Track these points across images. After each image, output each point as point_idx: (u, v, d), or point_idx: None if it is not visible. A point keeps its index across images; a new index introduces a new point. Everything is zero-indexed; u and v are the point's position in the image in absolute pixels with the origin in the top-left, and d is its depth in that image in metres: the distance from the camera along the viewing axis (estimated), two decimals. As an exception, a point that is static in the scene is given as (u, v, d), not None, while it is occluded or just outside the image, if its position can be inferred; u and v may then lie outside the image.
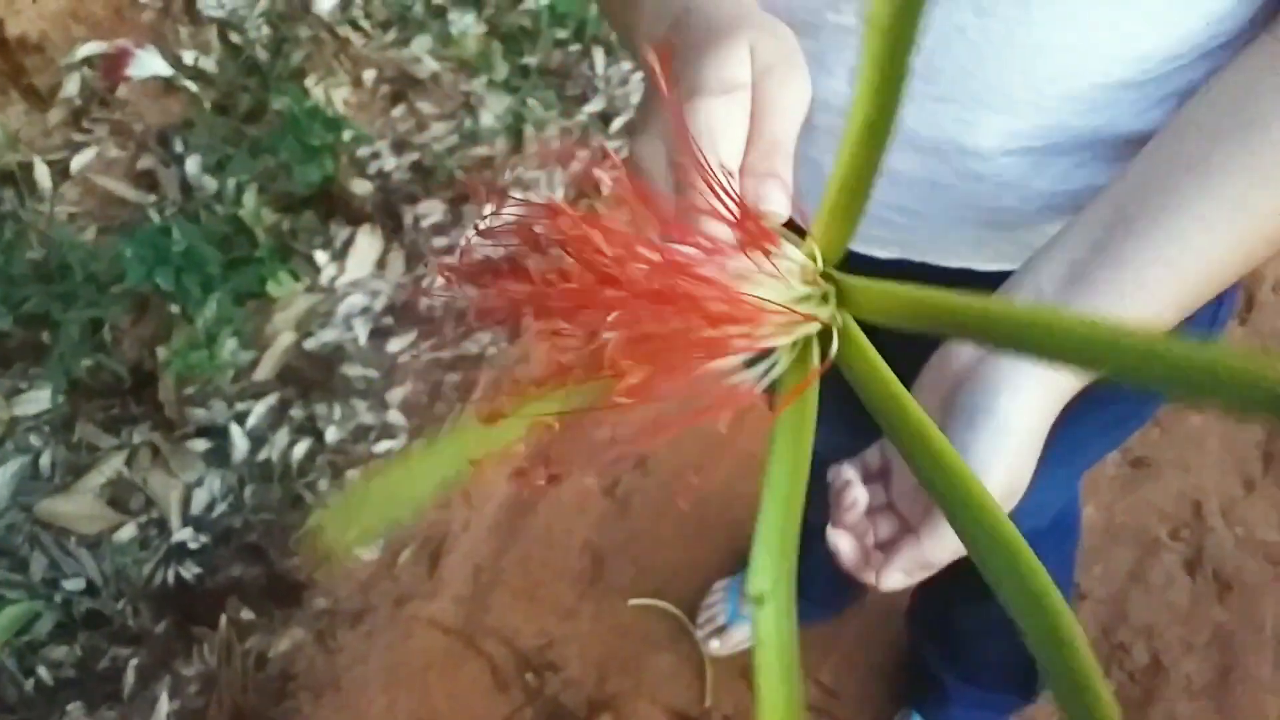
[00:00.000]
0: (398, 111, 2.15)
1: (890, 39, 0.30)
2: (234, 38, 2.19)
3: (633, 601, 1.59)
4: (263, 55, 2.16)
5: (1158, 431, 1.69)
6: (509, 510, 1.69)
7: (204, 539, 1.65)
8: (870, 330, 0.40)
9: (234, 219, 1.91)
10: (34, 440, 1.71)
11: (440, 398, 1.80)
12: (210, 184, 1.96)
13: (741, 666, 1.54)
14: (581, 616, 1.59)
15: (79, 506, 1.66)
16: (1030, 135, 0.58)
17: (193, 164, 1.99)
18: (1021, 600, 0.31)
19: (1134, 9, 0.51)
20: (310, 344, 1.83)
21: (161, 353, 1.77)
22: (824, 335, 0.39)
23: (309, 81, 2.13)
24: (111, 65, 2.07)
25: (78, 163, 2.00)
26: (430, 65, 2.21)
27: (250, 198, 1.94)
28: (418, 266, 1.94)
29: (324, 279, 1.90)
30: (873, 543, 0.51)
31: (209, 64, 2.14)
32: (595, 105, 2.19)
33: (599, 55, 2.27)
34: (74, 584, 1.60)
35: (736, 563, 1.59)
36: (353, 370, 1.81)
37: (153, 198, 1.97)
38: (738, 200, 0.40)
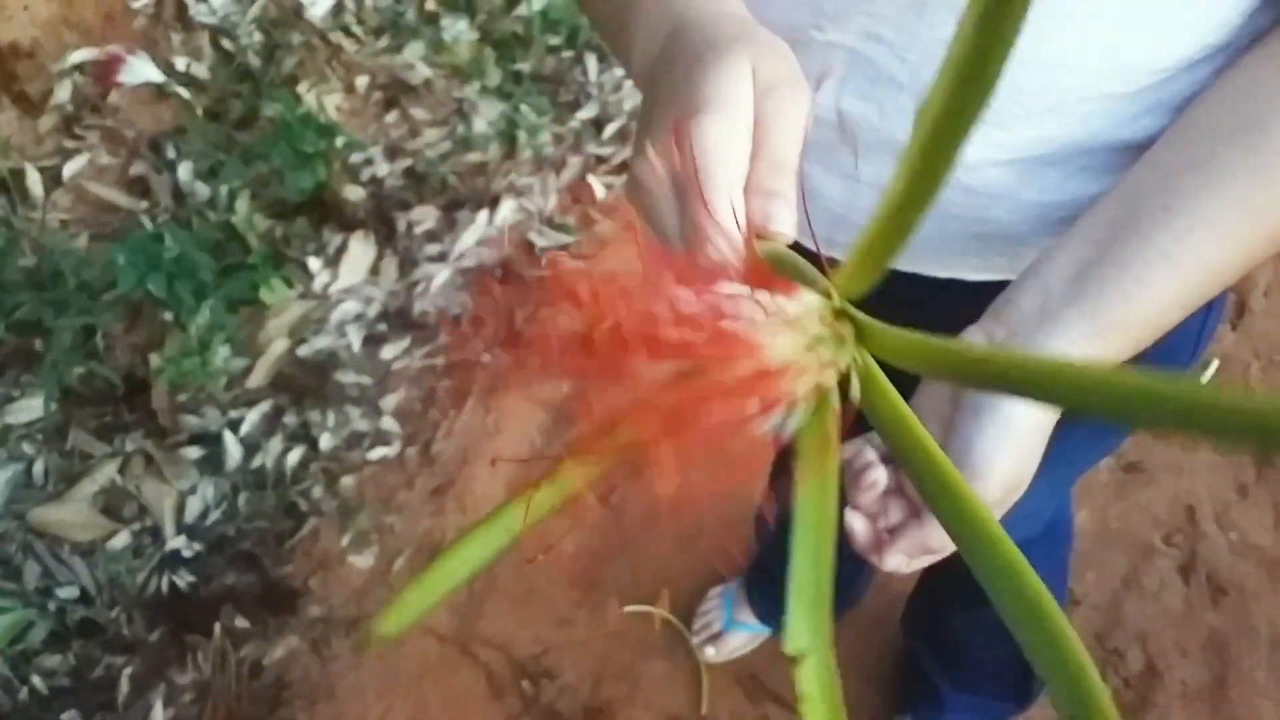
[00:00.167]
0: (390, 118, 2.15)
1: (939, 129, 0.30)
2: (226, 44, 2.18)
3: (628, 608, 1.59)
4: (255, 61, 2.15)
5: (1150, 437, 1.70)
6: (504, 517, 1.69)
7: (198, 547, 1.64)
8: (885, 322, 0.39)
9: (226, 226, 1.91)
10: (27, 448, 1.70)
11: (434, 404, 1.80)
12: (202, 190, 1.96)
13: (737, 673, 1.54)
14: (577, 624, 1.59)
15: (72, 514, 1.66)
16: (1017, 147, 0.58)
17: (185, 170, 1.98)
18: (1046, 655, 0.31)
19: (1121, 23, 0.52)
20: (304, 351, 1.83)
21: (154, 360, 1.76)
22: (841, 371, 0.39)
23: (301, 88, 2.12)
24: (103, 72, 2.06)
25: (69, 169, 1.99)
26: (423, 71, 2.21)
27: (243, 204, 1.94)
28: (411, 273, 1.94)
29: (317, 286, 1.90)
30: (885, 525, 0.51)
31: (201, 70, 2.13)
32: (588, 111, 2.19)
33: (591, 61, 2.27)
34: (68, 592, 1.59)
35: (731, 569, 1.59)
36: (346, 377, 1.81)
37: (145, 204, 1.97)
38: (745, 224, 0.40)
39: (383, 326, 1.88)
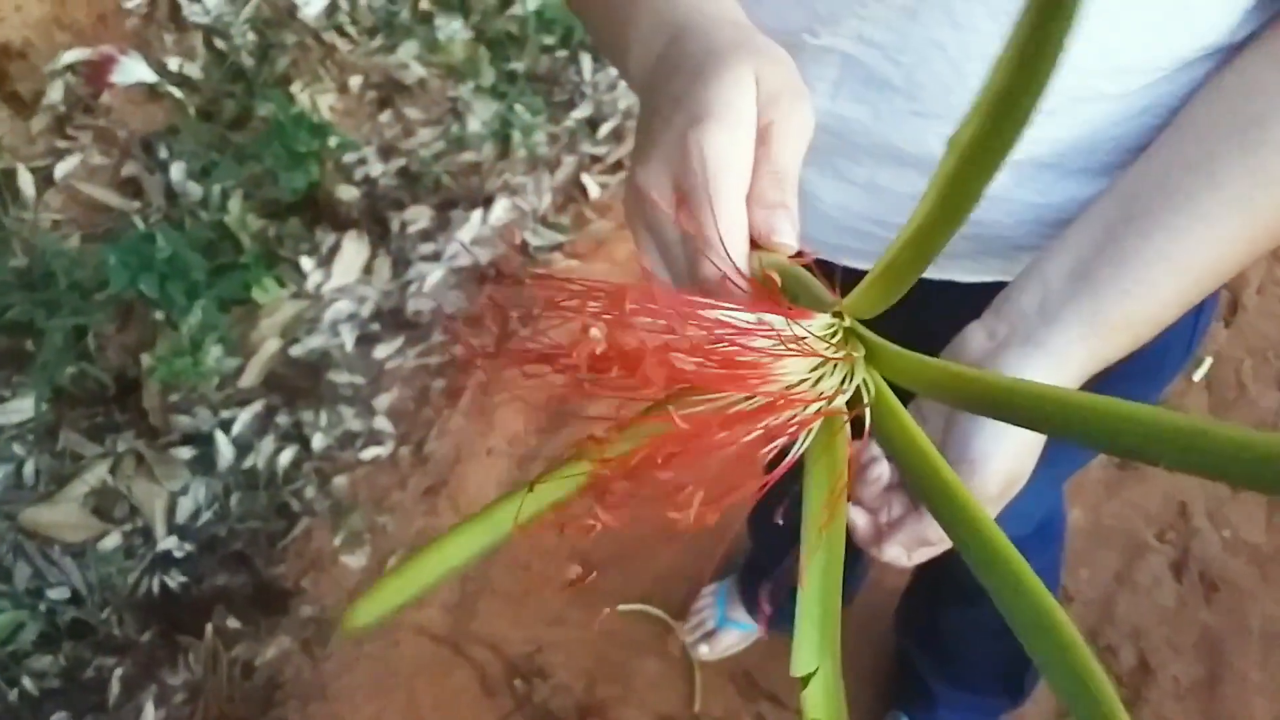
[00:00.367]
0: (384, 117, 2.15)
1: (967, 162, 0.30)
2: (219, 44, 2.18)
3: (621, 607, 1.59)
4: (248, 61, 2.15)
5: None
6: (496, 516, 1.68)
7: (189, 547, 1.64)
8: (876, 322, 0.39)
9: (219, 225, 1.91)
10: (17, 449, 1.70)
11: (427, 404, 1.79)
12: (195, 190, 1.95)
13: (730, 671, 1.53)
14: (570, 623, 1.59)
15: (63, 515, 1.65)
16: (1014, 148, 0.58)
17: (177, 171, 1.98)
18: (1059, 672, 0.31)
19: (1115, 24, 0.51)
20: (296, 351, 1.82)
21: (146, 360, 1.76)
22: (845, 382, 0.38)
23: (294, 87, 2.12)
24: (95, 72, 2.06)
25: (61, 170, 1.99)
26: (417, 71, 2.20)
27: (235, 204, 1.94)
28: (404, 273, 1.93)
29: (310, 285, 1.89)
30: (886, 520, 0.51)
31: (194, 70, 2.13)
32: (582, 111, 2.19)
33: (586, 61, 2.27)
34: (58, 593, 1.58)
35: (724, 567, 1.58)
36: (339, 377, 1.80)
37: (137, 205, 1.97)
38: (750, 236, 0.40)
39: (376, 326, 1.87)
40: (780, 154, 0.42)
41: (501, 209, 2.01)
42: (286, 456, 1.72)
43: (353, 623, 0.40)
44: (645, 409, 0.36)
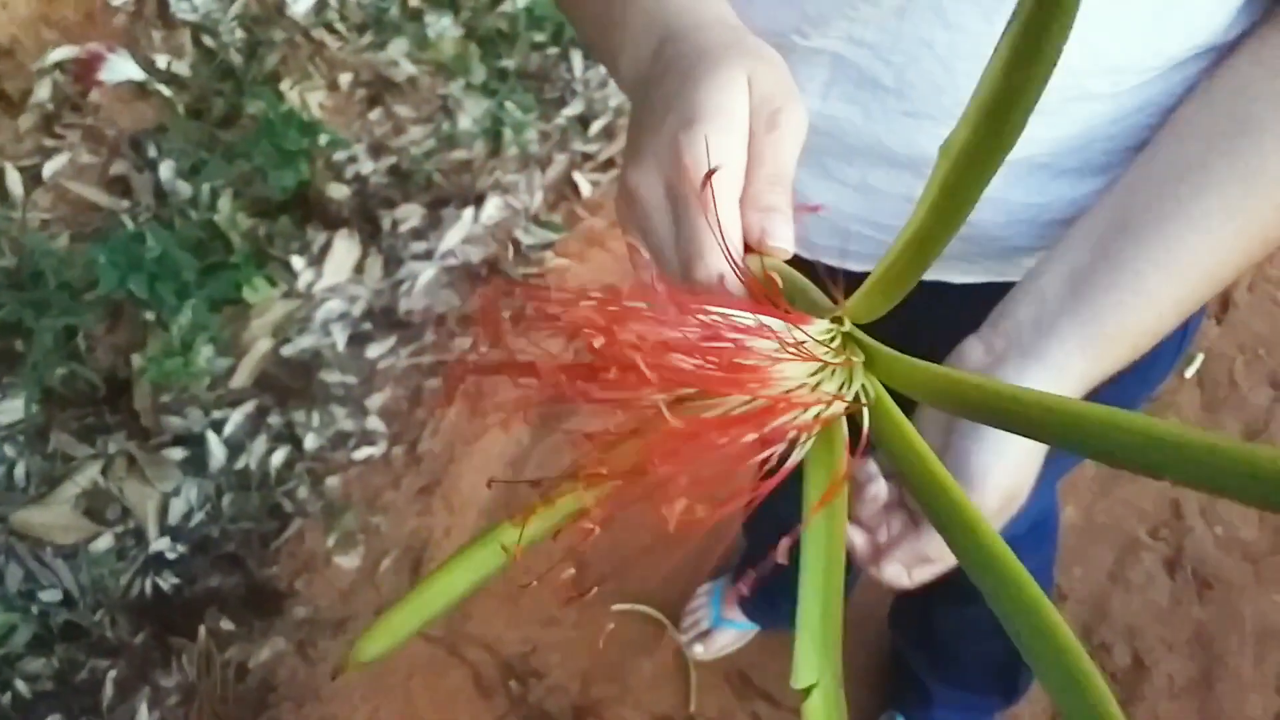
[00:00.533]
0: (374, 115, 2.14)
1: (961, 167, 0.30)
2: (207, 41, 2.17)
3: (616, 607, 1.58)
4: (237, 59, 2.14)
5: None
6: (490, 517, 1.68)
7: (182, 549, 1.63)
8: (875, 326, 0.39)
9: (209, 225, 1.89)
10: (8, 450, 1.69)
11: (420, 403, 1.79)
12: (184, 189, 1.94)
13: (725, 671, 1.53)
14: (564, 623, 1.59)
15: (54, 517, 1.64)
16: None
17: (166, 169, 1.97)
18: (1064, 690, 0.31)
19: (1107, 24, 0.51)
20: (288, 350, 1.82)
21: (136, 360, 1.75)
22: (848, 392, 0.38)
23: (284, 85, 2.11)
24: (83, 70, 2.04)
25: (50, 169, 1.97)
26: (407, 68, 2.19)
27: (225, 203, 1.93)
28: (396, 271, 1.93)
29: (301, 285, 1.88)
30: (885, 538, 0.51)
31: (182, 68, 2.11)
32: (574, 108, 2.18)
33: (577, 58, 2.26)
34: (50, 595, 1.58)
35: (719, 567, 1.58)
36: (331, 376, 1.79)
37: (126, 204, 1.95)
38: (744, 239, 0.39)
39: (368, 325, 1.87)
40: (774, 156, 0.41)
41: (493, 207, 2.00)
42: (279, 457, 1.71)
43: (360, 657, 0.40)
44: (642, 412, 0.36)
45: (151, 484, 1.67)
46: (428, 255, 1.94)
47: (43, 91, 2.05)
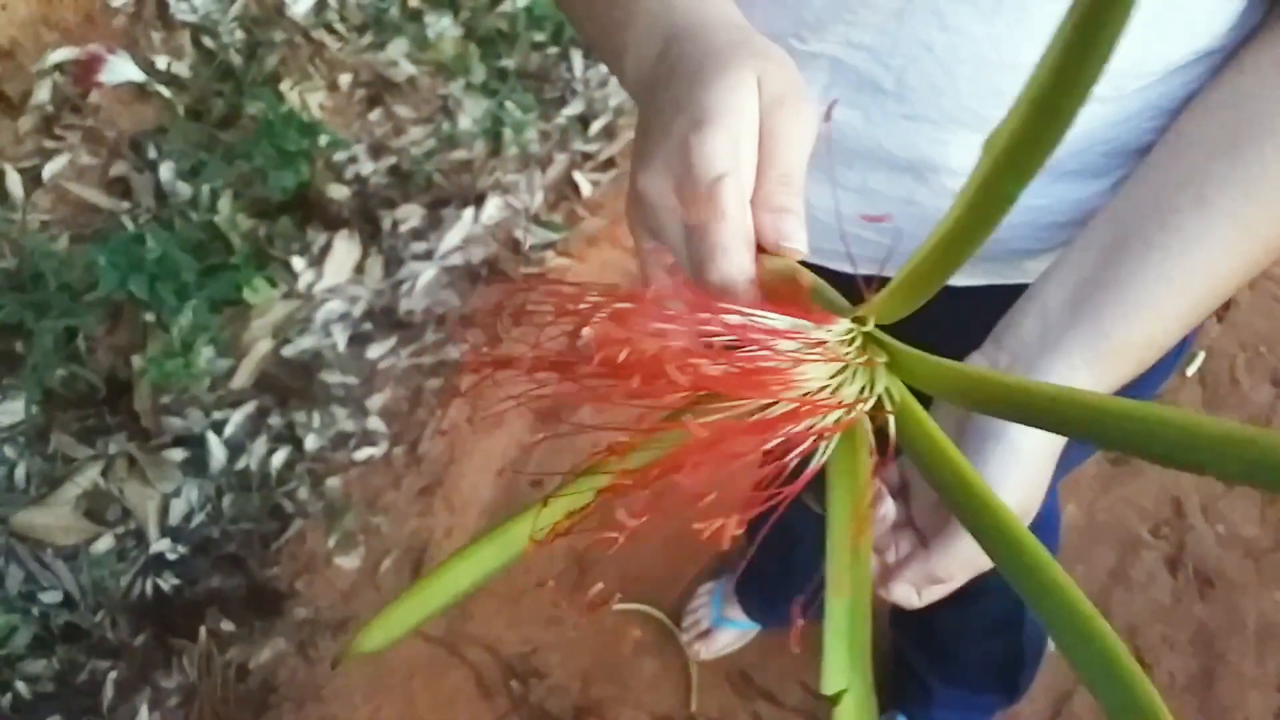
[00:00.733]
0: (374, 115, 2.14)
1: (1004, 163, 0.29)
2: (207, 42, 2.17)
3: (617, 607, 1.58)
4: (236, 60, 2.14)
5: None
6: (491, 517, 1.68)
7: (182, 549, 1.63)
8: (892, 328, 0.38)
9: (209, 226, 1.89)
10: (8, 451, 1.69)
11: (421, 404, 1.79)
12: (184, 190, 1.94)
13: (726, 670, 1.53)
14: (565, 623, 1.59)
15: (55, 518, 1.64)
16: None
17: (166, 170, 1.97)
18: (1103, 682, 0.30)
19: None
20: (288, 351, 1.82)
21: (137, 362, 1.75)
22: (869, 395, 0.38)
23: (284, 86, 2.11)
24: (83, 71, 2.04)
25: (50, 170, 1.97)
26: (407, 69, 2.19)
27: (225, 204, 1.93)
28: (396, 272, 1.92)
29: (301, 285, 1.88)
30: (893, 559, 0.50)
31: (182, 69, 2.11)
32: (574, 108, 2.18)
33: (577, 58, 2.26)
34: (51, 596, 1.58)
35: (720, 567, 1.58)
36: (331, 377, 1.79)
37: (126, 205, 1.95)
38: (758, 241, 0.39)
39: (368, 326, 1.87)
40: (785, 157, 0.41)
41: (493, 207, 2.00)
42: (279, 458, 1.71)
43: (362, 647, 0.40)
44: (664, 415, 0.36)
45: (152, 485, 1.67)
46: (428, 255, 1.94)
47: (42, 93, 2.05)
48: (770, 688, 1.51)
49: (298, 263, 1.90)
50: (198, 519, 1.66)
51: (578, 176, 2.08)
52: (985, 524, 0.34)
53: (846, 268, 0.66)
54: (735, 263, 0.39)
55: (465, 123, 2.12)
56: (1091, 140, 0.56)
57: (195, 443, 1.71)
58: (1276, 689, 1.47)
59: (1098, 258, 0.48)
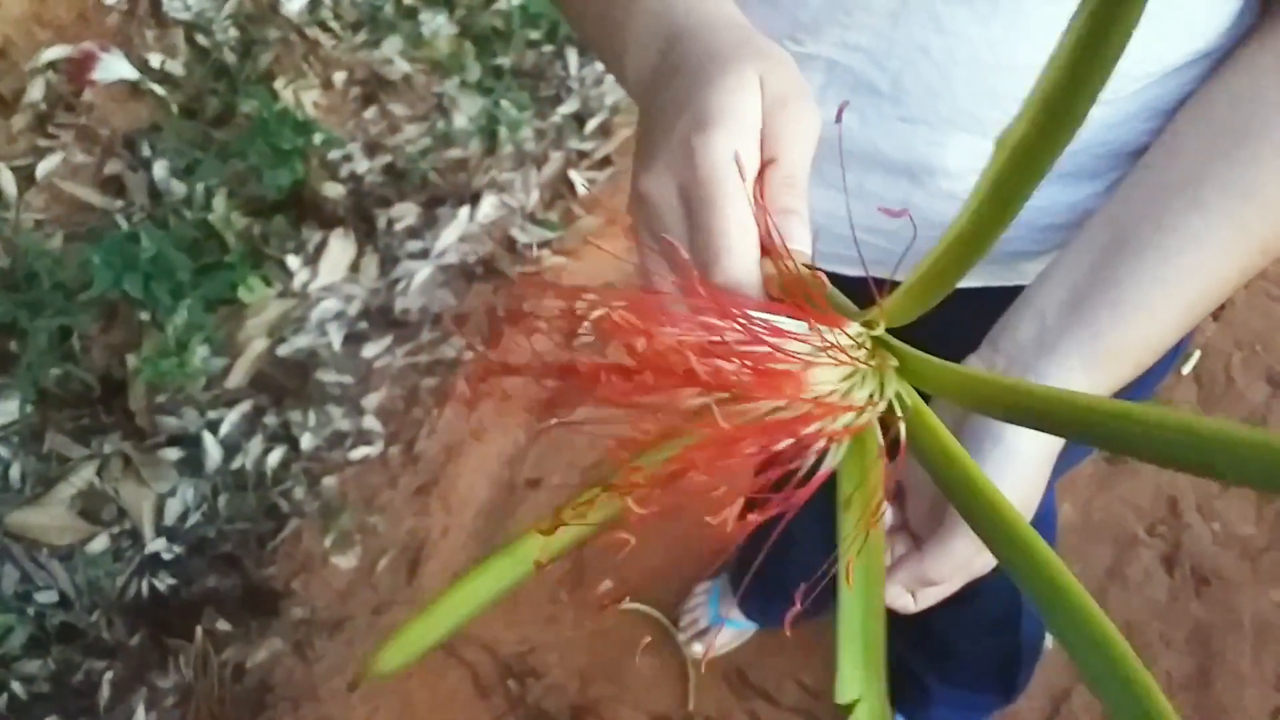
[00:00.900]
0: (369, 114, 2.13)
1: (1016, 161, 0.29)
2: (201, 40, 2.16)
3: (615, 606, 1.58)
4: (230, 58, 2.13)
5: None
6: (488, 516, 1.68)
7: (178, 549, 1.63)
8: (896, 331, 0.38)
9: (203, 224, 1.89)
10: (2, 451, 1.68)
11: (417, 403, 1.78)
12: (179, 189, 1.93)
13: (724, 669, 1.53)
14: (563, 622, 1.58)
15: (50, 518, 1.64)
16: None
17: (160, 169, 1.96)
18: (1114, 693, 0.30)
19: None
20: (283, 350, 1.81)
21: (131, 361, 1.74)
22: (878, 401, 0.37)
23: (278, 84, 2.10)
24: (76, 69, 2.03)
25: (43, 168, 1.97)
26: (402, 67, 2.19)
27: (220, 202, 1.92)
28: (392, 270, 1.92)
29: (296, 284, 1.88)
30: (888, 561, 0.50)
31: (176, 67, 2.11)
32: (569, 106, 2.18)
33: (572, 56, 2.26)
34: (46, 597, 1.57)
35: (718, 565, 1.58)
36: (327, 376, 1.79)
37: (120, 203, 1.95)
38: (763, 242, 0.39)
39: (364, 325, 1.86)
40: (788, 158, 0.41)
41: (489, 206, 2.00)
42: (275, 457, 1.71)
43: (379, 669, 0.39)
44: (675, 416, 0.35)
45: (147, 484, 1.67)
46: (423, 254, 1.94)
47: (36, 91, 2.04)
48: (767, 687, 1.51)
49: (293, 261, 1.89)
50: (193, 519, 1.65)
51: (573, 175, 2.08)
52: (997, 530, 0.34)
53: (840, 269, 0.67)
54: (741, 264, 0.39)
55: (460, 121, 2.11)
56: (1088, 142, 0.56)
57: (190, 442, 1.71)
58: (1273, 687, 1.48)
59: (1094, 260, 0.48)
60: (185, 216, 1.90)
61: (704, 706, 1.51)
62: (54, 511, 1.64)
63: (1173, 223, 0.47)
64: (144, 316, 1.78)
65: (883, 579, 0.36)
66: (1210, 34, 0.51)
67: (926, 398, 0.38)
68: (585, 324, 0.36)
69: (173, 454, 1.70)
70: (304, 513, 1.66)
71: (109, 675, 1.53)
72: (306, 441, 1.72)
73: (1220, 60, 0.52)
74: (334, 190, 2.00)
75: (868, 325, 0.37)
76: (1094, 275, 0.48)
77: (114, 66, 2.04)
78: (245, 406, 1.75)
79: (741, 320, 0.34)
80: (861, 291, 0.40)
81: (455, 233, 1.96)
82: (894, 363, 0.37)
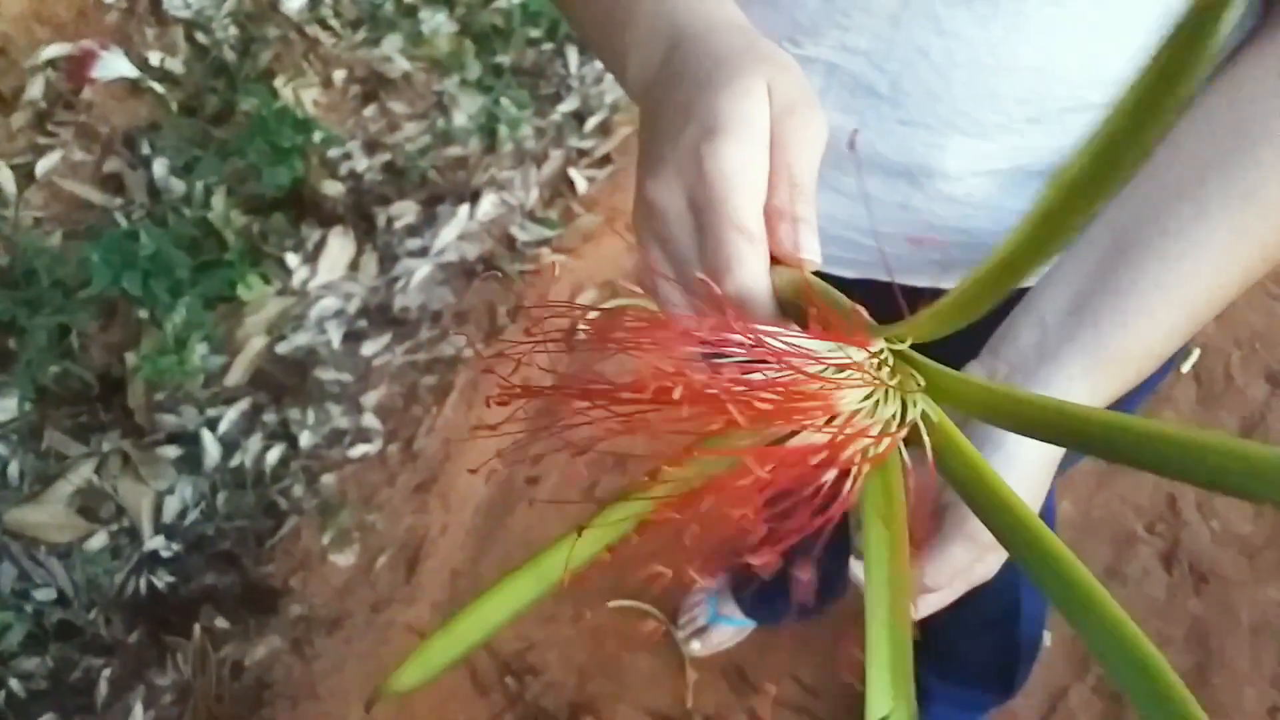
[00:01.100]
0: (369, 112, 2.13)
1: (1069, 197, 0.29)
2: (201, 38, 2.16)
3: (613, 604, 1.58)
4: (230, 56, 2.13)
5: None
6: (486, 514, 1.68)
7: (176, 547, 1.63)
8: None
9: (203, 222, 1.89)
10: (1, 449, 1.68)
11: (416, 401, 1.78)
12: (178, 187, 1.93)
13: (722, 667, 1.53)
14: (561, 619, 1.58)
15: (48, 515, 1.64)
16: (999, 156, 0.57)
17: (160, 166, 1.96)
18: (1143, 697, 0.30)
19: (1102, 33, 0.51)
20: (282, 348, 1.81)
21: (130, 358, 1.74)
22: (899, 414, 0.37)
23: (278, 82, 2.10)
24: (76, 67, 2.04)
25: (43, 166, 1.97)
26: (401, 65, 2.19)
27: (219, 200, 1.92)
28: (391, 268, 1.92)
29: (295, 282, 1.88)
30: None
31: (175, 65, 2.11)
32: (569, 104, 2.17)
33: (572, 54, 2.26)
34: (44, 594, 1.57)
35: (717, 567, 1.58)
36: (326, 374, 1.79)
37: (119, 201, 1.95)
38: (772, 251, 0.38)
39: (363, 323, 1.86)
40: (796, 165, 0.40)
41: (488, 204, 2.00)
42: (274, 455, 1.71)
43: (395, 687, 0.39)
44: (700, 441, 0.35)
45: (146, 482, 1.67)
46: (423, 252, 1.94)
47: (35, 89, 2.04)
48: (766, 685, 1.51)
49: (292, 259, 1.89)
50: (192, 516, 1.65)
51: (573, 173, 2.08)
52: (1030, 549, 0.33)
53: (834, 270, 0.66)
54: (751, 273, 0.39)
55: (460, 119, 2.11)
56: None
57: (189, 440, 1.71)
58: (1271, 685, 1.47)
59: (1095, 266, 0.48)
60: (184, 214, 1.90)
61: (702, 704, 1.50)
62: (52, 509, 1.64)
63: (1172, 229, 0.47)
64: (143, 314, 1.78)
65: (909, 596, 0.36)
66: None
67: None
68: (586, 330, 0.35)
69: (171, 452, 1.70)
70: (303, 510, 1.66)
71: (107, 673, 1.53)
72: (305, 439, 1.72)
73: (1222, 62, 0.52)
74: (333, 188, 2.00)
75: (893, 341, 0.37)
76: (1095, 281, 0.47)
77: (113, 64, 2.04)
78: (244, 404, 1.75)
79: (762, 339, 0.34)
80: (853, 292, 0.40)
81: (455, 231, 1.96)
82: (921, 381, 0.36)
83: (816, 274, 0.39)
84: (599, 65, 2.23)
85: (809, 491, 0.34)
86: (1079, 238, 0.50)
